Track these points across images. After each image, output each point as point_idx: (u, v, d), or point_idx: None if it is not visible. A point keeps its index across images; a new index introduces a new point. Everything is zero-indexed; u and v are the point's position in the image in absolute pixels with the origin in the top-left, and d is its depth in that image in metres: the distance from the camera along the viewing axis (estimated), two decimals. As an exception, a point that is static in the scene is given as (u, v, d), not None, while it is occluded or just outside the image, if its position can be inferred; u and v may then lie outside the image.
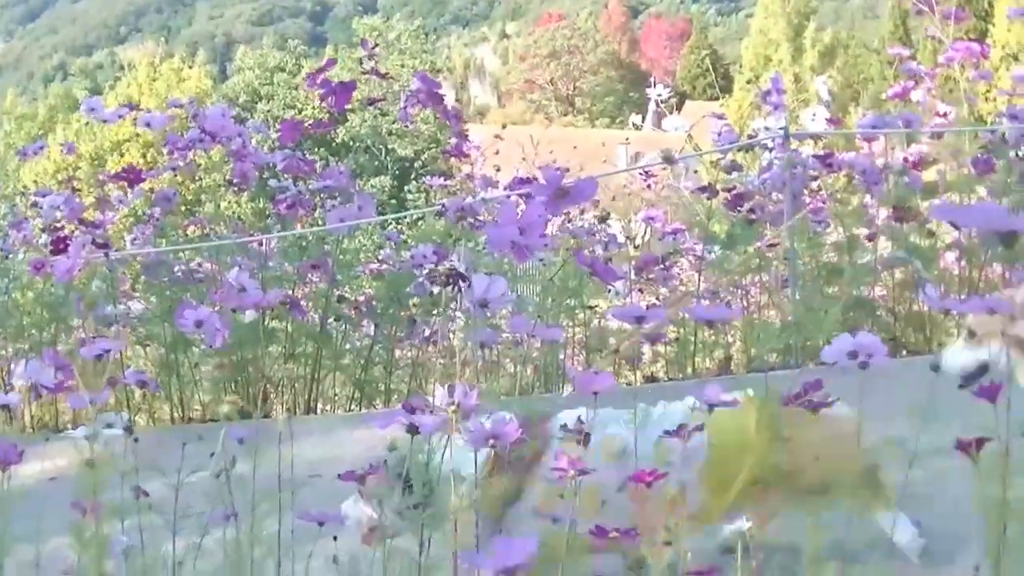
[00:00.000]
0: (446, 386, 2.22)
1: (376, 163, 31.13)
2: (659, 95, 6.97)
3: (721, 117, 6.49)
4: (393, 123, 33.00)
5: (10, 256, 6.47)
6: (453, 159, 7.05)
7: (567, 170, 2.59)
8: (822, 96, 6.95)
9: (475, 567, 1.69)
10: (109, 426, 2.50)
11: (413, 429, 2.11)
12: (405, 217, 9.05)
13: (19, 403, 2.98)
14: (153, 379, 3.19)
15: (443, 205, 5.21)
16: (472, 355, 4.75)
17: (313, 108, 34.02)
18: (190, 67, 40.42)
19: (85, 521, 2.37)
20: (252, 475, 2.42)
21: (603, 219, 6.59)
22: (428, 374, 6.35)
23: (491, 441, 2.18)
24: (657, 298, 6.40)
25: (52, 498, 2.66)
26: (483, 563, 1.51)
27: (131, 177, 6.08)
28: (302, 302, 5.82)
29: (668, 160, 3.45)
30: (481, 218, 5.46)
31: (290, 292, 5.78)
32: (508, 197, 5.69)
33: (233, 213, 6.68)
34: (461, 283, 2.40)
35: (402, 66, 37.93)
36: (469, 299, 2.45)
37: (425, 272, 5.68)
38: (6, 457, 2.45)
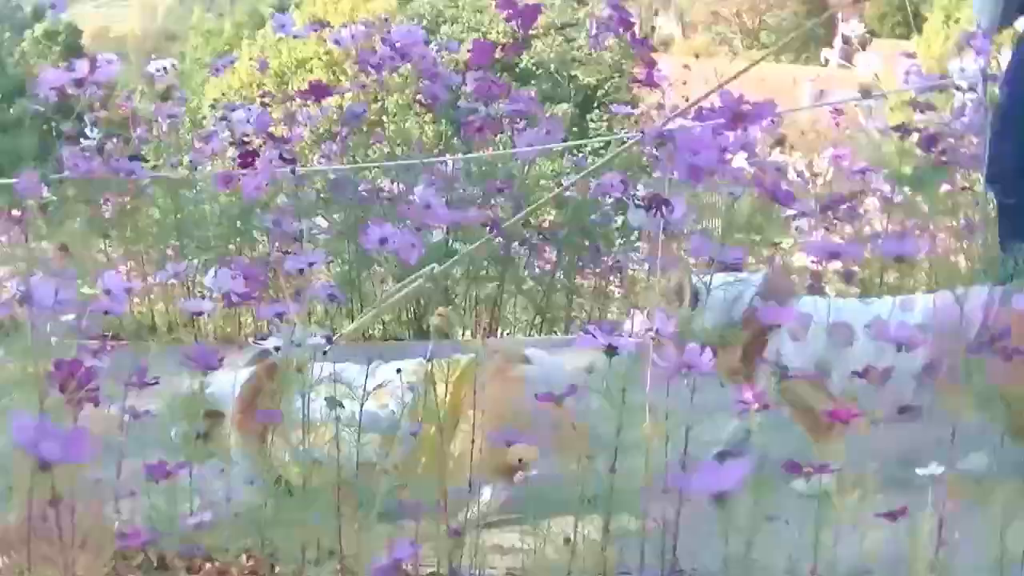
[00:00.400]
0: (644, 312, 2.20)
1: (558, 90, 31.02)
2: (853, 31, 6.84)
3: (911, 56, 6.34)
4: (577, 50, 32.90)
5: (198, 168, 6.55)
6: (637, 89, 6.99)
7: (743, 96, 2.54)
8: (1024, 35, 6.76)
9: (683, 490, 1.67)
10: (307, 338, 2.51)
11: (612, 350, 2.09)
12: (588, 144, 9.00)
13: (214, 310, 3.02)
14: (344, 294, 3.20)
15: (642, 132, 5.15)
16: (657, 282, 4.70)
17: (497, 32, 33.99)
18: (376, -13, 40.59)
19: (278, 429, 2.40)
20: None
21: (779, 143, 6.48)
22: (608, 302, 6.33)
23: (685, 370, 2.16)
24: (842, 238, 6.30)
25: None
26: (692, 485, 1.49)
27: (318, 92, 6.11)
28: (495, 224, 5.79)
29: (867, 96, 3.39)
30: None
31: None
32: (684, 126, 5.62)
33: (417, 134, 6.65)
34: (664, 208, 2.36)
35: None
36: (654, 225, 2.42)
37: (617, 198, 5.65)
38: (207, 363, 2.48)
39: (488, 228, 4.85)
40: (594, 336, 2.16)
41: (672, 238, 2.66)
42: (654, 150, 5.19)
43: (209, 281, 2.96)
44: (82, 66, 4.75)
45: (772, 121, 5.90)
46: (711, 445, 2.36)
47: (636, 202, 2.38)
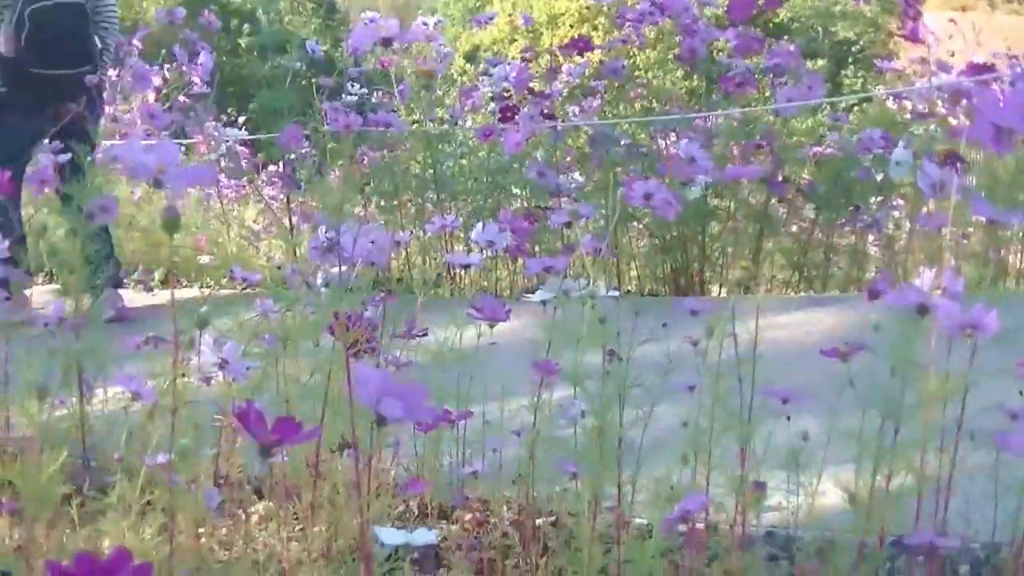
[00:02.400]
0: (933, 269, 2.16)
1: (812, 45, 30.62)
2: None
3: None
4: (835, 4, 32.37)
5: (458, 123, 6.62)
6: (893, 44, 6.87)
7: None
8: None
9: (1005, 448, 1.65)
10: (607, 290, 2.53)
11: (924, 310, 2.04)
12: (845, 101, 8.87)
13: (480, 263, 3.04)
14: (609, 249, 3.21)
15: (922, 88, 5.07)
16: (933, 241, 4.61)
17: (753, -15, 33.65)
18: (629, -57, 40.40)
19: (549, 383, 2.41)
20: (710, 349, 2.41)
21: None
22: (867, 261, 6.25)
23: (968, 331, 2.11)
24: None
25: (495, 361, 2.71)
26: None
27: (579, 46, 6.13)
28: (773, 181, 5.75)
29: None
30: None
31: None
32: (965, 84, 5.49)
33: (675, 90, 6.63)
34: (960, 164, 2.32)
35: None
36: (924, 183, 2.37)
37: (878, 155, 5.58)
38: (494, 314, 2.50)
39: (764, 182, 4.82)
40: (904, 292, 2.12)
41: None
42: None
43: (476, 235, 2.99)
44: (390, 26, 4.89)
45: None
46: (989, 409, 2.32)
47: (930, 160, 2.33)
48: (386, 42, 4.83)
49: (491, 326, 2.55)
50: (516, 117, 5.71)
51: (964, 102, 5.50)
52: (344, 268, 2.39)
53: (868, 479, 2.22)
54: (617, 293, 2.53)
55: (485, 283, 6.11)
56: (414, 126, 6.28)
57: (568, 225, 2.92)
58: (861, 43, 33.03)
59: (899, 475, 2.21)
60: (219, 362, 2.31)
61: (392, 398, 1.32)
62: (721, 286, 5.91)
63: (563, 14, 30.42)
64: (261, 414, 1.39)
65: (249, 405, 1.40)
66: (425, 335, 2.68)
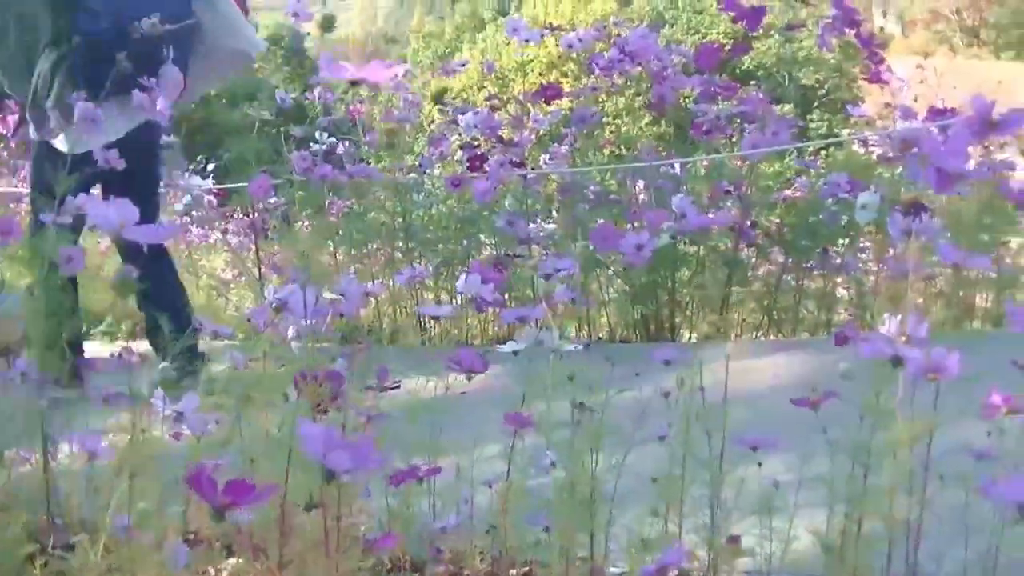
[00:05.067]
0: (897, 316, 2.16)
1: (779, 90, 30.87)
2: None
3: None
4: (799, 51, 32.65)
5: (427, 172, 6.63)
6: (858, 88, 6.93)
7: (993, 101, 2.49)
8: None
9: (991, 499, 1.65)
10: (559, 341, 2.52)
11: (898, 360, 2.05)
12: (811, 146, 8.91)
13: (452, 313, 3.05)
14: (579, 296, 3.20)
15: (888, 135, 5.10)
16: (898, 286, 4.62)
17: (717, 33, 33.92)
18: (596, -11, 40.75)
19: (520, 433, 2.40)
20: (681, 397, 2.41)
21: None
22: (836, 304, 6.26)
23: (931, 375, 2.12)
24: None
25: (466, 411, 2.70)
26: (1000, 494, 1.47)
27: (548, 94, 6.14)
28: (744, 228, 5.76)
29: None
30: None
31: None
32: (929, 129, 5.52)
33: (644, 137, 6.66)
34: (923, 214, 2.33)
35: (814, -10, 37.35)
36: (894, 230, 2.38)
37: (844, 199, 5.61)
38: (473, 366, 2.50)
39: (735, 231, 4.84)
40: (878, 343, 2.12)
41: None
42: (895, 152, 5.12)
43: (461, 286, 2.99)
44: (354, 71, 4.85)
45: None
46: (952, 451, 2.32)
47: (896, 207, 2.34)
48: (354, 83, 4.81)
49: (469, 378, 2.55)
50: (485, 165, 5.73)
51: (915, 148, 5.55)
52: (313, 320, 2.38)
53: (840, 523, 2.23)
54: (583, 345, 2.52)
55: (456, 332, 6.10)
56: (384, 175, 6.29)
57: (547, 277, 2.91)
58: (826, 88, 33.34)
59: (870, 519, 2.22)
60: (177, 416, 2.30)
61: (339, 451, 1.32)
62: (692, 332, 5.92)
63: (531, 61, 30.57)
64: (212, 477, 1.39)
65: (200, 468, 1.40)
66: (397, 387, 2.67)
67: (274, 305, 2.35)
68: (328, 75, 1.97)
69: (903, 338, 2.12)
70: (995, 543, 2.21)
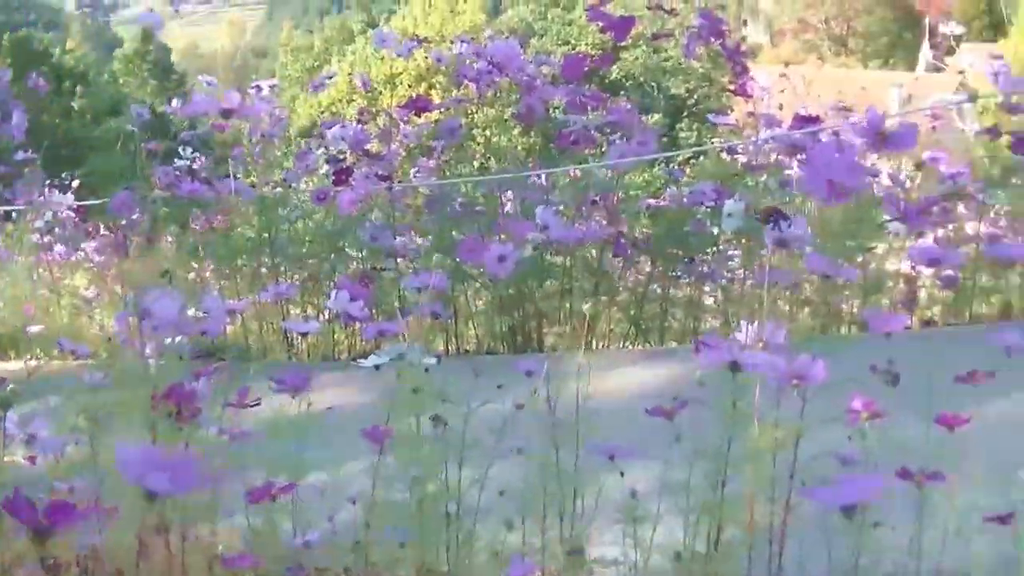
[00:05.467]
0: (754, 323, 2.18)
1: (648, 100, 31.05)
2: (952, 30, 6.87)
3: (998, 57, 6.28)
4: (666, 61, 32.95)
5: (293, 186, 6.58)
6: (727, 98, 6.99)
7: (884, 114, 2.52)
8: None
9: (816, 502, 1.66)
10: (416, 355, 2.51)
11: (736, 367, 2.06)
12: (679, 155, 8.97)
13: (318, 330, 3.02)
14: (445, 310, 3.20)
15: (755, 141, 5.15)
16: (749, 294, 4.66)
17: (587, 44, 34.09)
18: (464, 1, 40.81)
19: (384, 448, 2.39)
20: (543, 409, 2.41)
21: (919, 166, 6.45)
22: (703, 312, 6.30)
23: (794, 381, 2.14)
24: (936, 241, 6.23)
25: (332, 427, 2.68)
26: (824, 498, 1.48)
27: (417, 106, 6.12)
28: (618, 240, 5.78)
29: (972, 99, 3.36)
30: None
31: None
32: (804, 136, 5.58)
33: (511, 148, 6.67)
34: (782, 221, 2.34)
35: (684, 2, 37.72)
36: (769, 238, 2.40)
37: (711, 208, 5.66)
38: (297, 384, 2.48)
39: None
40: (718, 351, 2.14)
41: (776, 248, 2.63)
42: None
43: (331, 303, 2.96)
44: (232, 98, 4.82)
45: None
46: (818, 456, 2.34)
47: (751, 214, 2.36)
48: (226, 113, 4.78)
49: (292, 395, 2.52)
50: (351, 179, 5.69)
51: (799, 155, 5.60)
52: (176, 338, 2.36)
53: (702, 530, 2.24)
54: (435, 359, 2.51)
55: (323, 346, 6.06)
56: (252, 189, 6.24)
57: (419, 290, 2.91)
58: (695, 98, 33.66)
59: (731, 526, 2.23)
60: (28, 439, 2.26)
61: (159, 472, 1.30)
62: (558, 343, 5.93)
63: (400, 74, 30.54)
64: (28, 501, 1.36)
65: (16, 493, 1.37)
66: (258, 404, 2.64)
67: (133, 316, 2.32)
68: (201, 108, 1.94)
69: (760, 344, 2.13)
70: (857, 548, 2.23)
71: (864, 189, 2.43)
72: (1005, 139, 5.84)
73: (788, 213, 2.47)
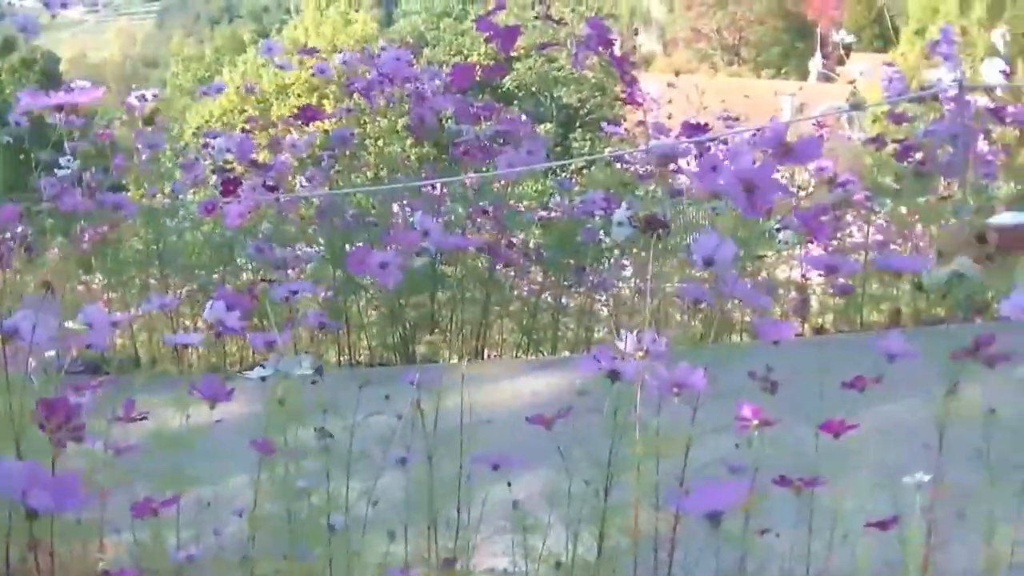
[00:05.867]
0: (635, 332, 2.18)
1: (541, 110, 31.15)
2: (842, 39, 6.97)
3: (890, 65, 6.37)
4: (559, 70, 33.03)
5: (180, 196, 6.53)
6: (620, 107, 7.00)
7: (787, 126, 2.55)
8: (999, 49, 6.83)
9: (680, 510, 1.66)
10: (302, 366, 2.49)
11: (614, 375, 2.06)
12: (571, 164, 8.99)
13: (201, 342, 3.00)
14: (333, 321, 3.18)
15: (646, 149, 5.17)
16: (640, 303, 4.68)
17: (479, 55, 34.11)
18: (356, 11, 40.69)
19: (268, 460, 2.37)
20: (430, 419, 2.41)
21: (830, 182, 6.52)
22: (595, 322, 6.32)
23: (676, 390, 2.14)
24: (826, 249, 6.29)
25: (220, 440, 2.66)
26: (689, 506, 1.47)
27: (307, 116, 6.09)
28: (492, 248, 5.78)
29: (856, 107, 3.39)
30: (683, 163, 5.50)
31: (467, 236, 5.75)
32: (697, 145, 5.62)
33: (403, 155, 6.67)
34: (661, 230, 2.35)
35: (572, 11, 37.84)
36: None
37: (602, 217, 5.67)
38: (215, 394, 2.46)
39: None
40: (596, 359, 2.14)
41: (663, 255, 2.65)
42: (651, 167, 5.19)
43: (207, 314, 2.93)
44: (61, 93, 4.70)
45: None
46: (709, 464, 2.35)
47: (632, 222, 2.36)
48: (58, 108, 4.69)
49: (212, 406, 2.50)
50: (239, 190, 5.65)
51: (677, 163, 5.64)
52: (56, 351, 2.32)
53: (588, 539, 2.24)
54: (316, 370, 2.49)
55: (214, 359, 6.01)
56: (136, 201, 6.18)
57: (287, 300, 2.88)
58: (588, 107, 33.78)
59: (618, 534, 2.23)
60: None
61: (39, 489, 1.28)
62: (451, 353, 5.93)
63: (292, 83, 30.39)
64: None
65: None
66: (144, 418, 2.61)
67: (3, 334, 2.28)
68: (31, 103, 1.91)
69: (640, 353, 2.14)
70: (744, 554, 2.24)
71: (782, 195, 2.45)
72: (892, 147, 5.93)
73: (667, 222, 2.47)
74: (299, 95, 28.71)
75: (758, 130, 5.65)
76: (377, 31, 38.95)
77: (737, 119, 7.37)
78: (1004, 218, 4.33)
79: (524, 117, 6.07)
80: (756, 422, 2.24)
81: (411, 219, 5.81)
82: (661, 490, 2.27)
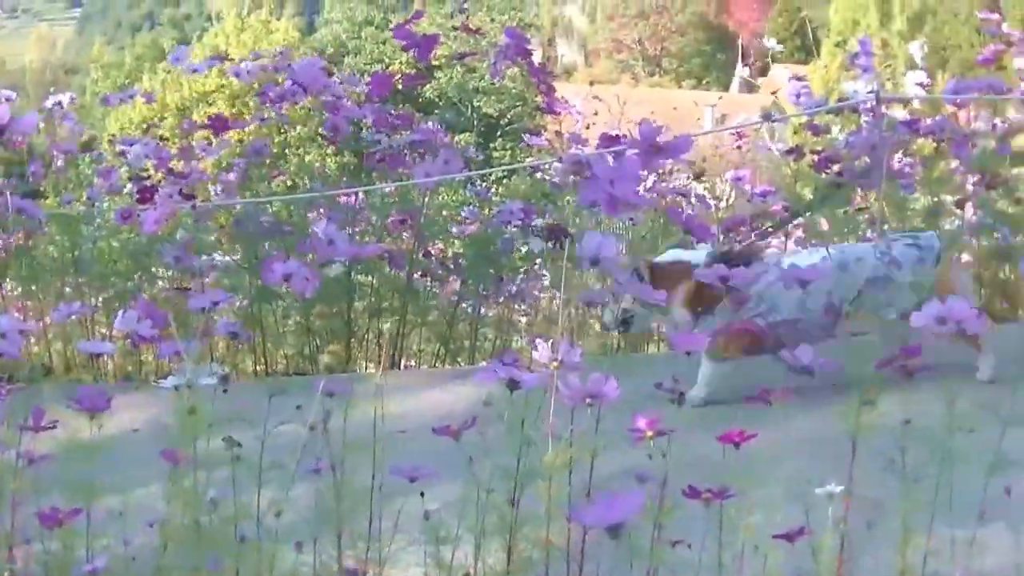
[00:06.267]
0: (548, 341, 2.19)
1: (462, 120, 31.16)
2: (772, 48, 7.05)
3: (800, 79, 6.41)
4: (480, 80, 33.07)
5: (96, 204, 6.48)
6: (540, 117, 7.03)
7: (662, 127, 2.56)
8: (917, 62, 6.90)
9: (580, 523, 1.67)
10: (208, 376, 2.48)
11: (514, 384, 2.07)
12: (492, 173, 9.00)
13: (113, 351, 2.98)
14: (246, 331, 3.18)
15: (560, 159, 5.18)
16: (560, 312, 4.68)
17: (401, 63, 34.07)
18: (278, 19, 40.61)
19: (178, 471, 2.36)
20: (341, 429, 2.41)
21: (699, 176, 6.55)
22: (513, 332, 6.33)
23: (588, 399, 2.15)
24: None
25: (135, 449, 2.65)
26: (588, 518, 1.48)
27: (217, 125, 6.06)
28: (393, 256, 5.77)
29: (767, 118, 3.42)
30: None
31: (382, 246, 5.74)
32: (602, 154, 5.63)
33: (320, 166, 6.67)
34: (564, 238, 2.36)
35: (492, 21, 37.89)
36: (581, 256, 2.41)
37: (519, 227, 5.67)
38: (94, 404, 2.44)
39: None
40: (495, 370, 2.15)
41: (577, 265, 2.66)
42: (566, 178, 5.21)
43: (118, 323, 2.91)
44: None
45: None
46: (616, 475, 2.37)
47: (535, 231, 2.38)
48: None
49: (91, 417, 2.48)
50: (155, 197, 5.62)
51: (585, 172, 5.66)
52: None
53: (497, 550, 2.24)
54: (221, 378, 2.48)
55: (129, 367, 5.98)
56: (52, 208, 6.13)
57: (203, 310, 2.87)
58: (509, 117, 33.83)
59: (528, 545, 2.24)
60: None
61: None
62: (368, 362, 5.92)
63: (213, 92, 30.27)
64: None
65: None
66: (54, 427, 2.59)
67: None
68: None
69: (555, 363, 2.15)
70: (655, 565, 2.25)
71: (648, 204, 2.47)
72: (810, 158, 5.97)
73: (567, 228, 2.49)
74: (214, 104, 28.58)
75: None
76: (299, 39, 38.87)
77: (662, 127, 7.39)
78: (665, 255, 4.45)
79: (438, 126, 6.06)
80: (651, 432, 2.25)
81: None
82: (574, 501, 2.28)
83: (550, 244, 2.34)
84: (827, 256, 4.34)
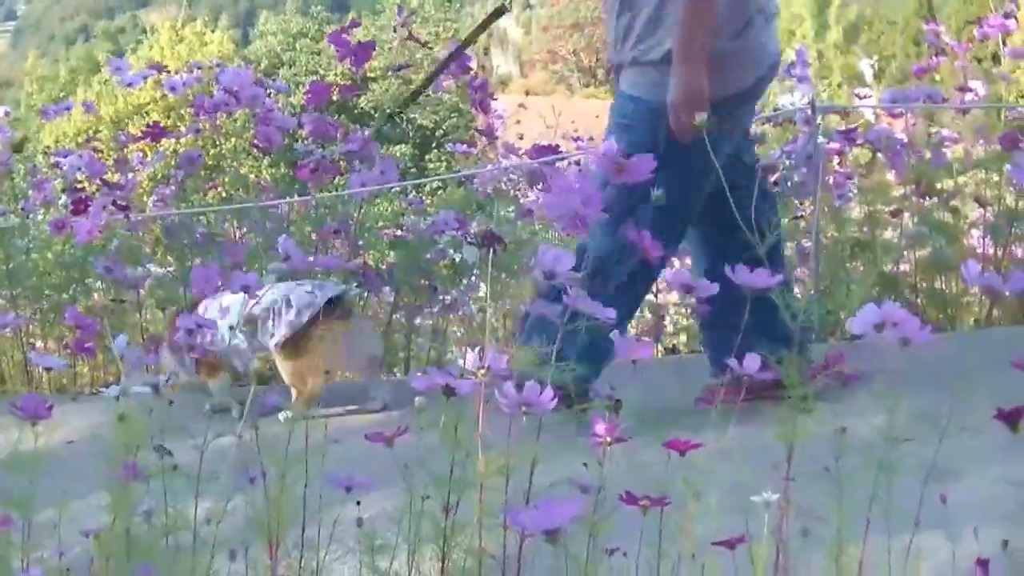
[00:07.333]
0: (476, 350, 2.21)
1: (397, 131, 31.11)
2: None
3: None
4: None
5: (30, 216, 6.46)
6: (476, 128, 7.03)
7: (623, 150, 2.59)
8: (867, 78, 6.98)
9: (517, 527, 1.68)
10: (146, 385, 2.49)
11: (449, 391, 2.09)
12: (426, 184, 9.02)
13: (63, 366, 2.97)
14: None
15: (493, 169, 5.20)
16: (492, 323, 4.70)
17: (336, 74, 33.99)
18: (212, 31, 40.45)
19: (116, 481, 2.37)
20: (274, 439, 2.41)
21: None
22: (447, 341, 6.33)
23: (524, 408, 2.17)
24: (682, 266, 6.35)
25: (71, 460, 2.65)
26: (525, 523, 1.50)
27: (153, 134, 6.04)
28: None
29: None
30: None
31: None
32: (537, 165, 5.66)
33: (255, 177, 6.65)
34: (497, 245, 2.39)
35: (428, 34, 37.86)
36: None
37: (453, 236, 5.68)
38: (36, 412, 2.44)
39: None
40: (431, 377, 2.17)
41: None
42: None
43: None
44: None
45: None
46: (555, 484, 2.38)
47: (469, 239, 2.40)
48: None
49: (32, 424, 2.48)
50: (89, 208, 5.60)
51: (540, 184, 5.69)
52: None
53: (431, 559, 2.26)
54: (150, 388, 2.50)
55: (64, 380, 5.96)
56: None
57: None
58: (444, 128, 33.84)
59: (463, 553, 2.25)
60: None
61: None
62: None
63: (148, 104, 30.13)
64: None
65: None
66: (-11, 438, 2.60)
67: None
68: None
69: (482, 371, 2.17)
70: (591, 573, 2.26)
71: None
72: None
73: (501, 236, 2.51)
74: (150, 116, 28.44)
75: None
76: (233, 51, 38.73)
77: (591, 139, 7.44)
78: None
79: (367, 136, 6.06)
80: (609, 439, 2.26)
81: (264, 239, 5.79)
82: (509, 509, 2.29)
83: (484, 250, 2.36)
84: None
